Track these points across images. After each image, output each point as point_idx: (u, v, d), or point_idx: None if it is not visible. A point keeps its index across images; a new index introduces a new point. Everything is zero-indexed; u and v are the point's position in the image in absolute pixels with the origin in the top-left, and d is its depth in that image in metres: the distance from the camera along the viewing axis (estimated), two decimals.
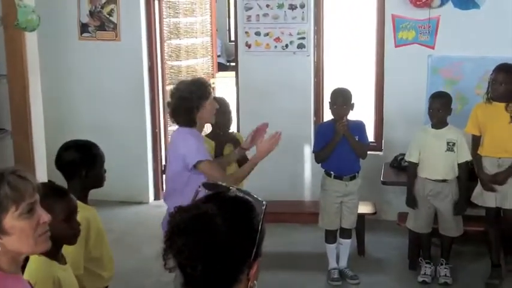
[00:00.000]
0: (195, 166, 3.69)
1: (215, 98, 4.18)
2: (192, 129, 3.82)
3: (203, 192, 1.66)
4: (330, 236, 5.06)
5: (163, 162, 6.87)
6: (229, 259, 1.51)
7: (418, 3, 5.76)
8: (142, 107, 6.66)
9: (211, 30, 7.23)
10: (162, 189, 6.85)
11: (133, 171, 6.71)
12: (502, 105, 4.79)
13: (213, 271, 1.51)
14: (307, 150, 6.13)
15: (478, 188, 4.93)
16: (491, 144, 4.86)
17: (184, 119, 3.80)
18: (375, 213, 5.56)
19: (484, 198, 4.89)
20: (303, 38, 6.17)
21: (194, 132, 3.82)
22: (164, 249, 1.53)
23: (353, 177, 4.97)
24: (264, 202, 1.62)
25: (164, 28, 6.71)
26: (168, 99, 4.02)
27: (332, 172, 4.93)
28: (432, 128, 4.95)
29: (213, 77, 7.26)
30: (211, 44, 7.25)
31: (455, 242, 5.10)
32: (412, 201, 4.97)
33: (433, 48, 5.89)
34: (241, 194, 1.63)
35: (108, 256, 3.23)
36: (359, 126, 4.96)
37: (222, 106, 4.38)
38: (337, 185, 4.94)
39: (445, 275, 4.96)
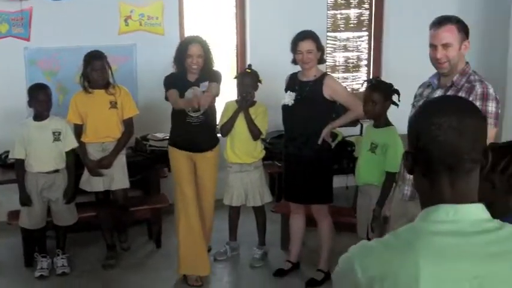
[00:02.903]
0: None
1: None
2: None
3: None
4: None
5: None
6: None
7: None
8: None
9: None
10: None
11: None
12: (102, 91, 4.95)
13: None
14: None
15: (86, 175, 5.02)
16: (94, 131, 4.98)
17: None
18: None
19: (92, 183, 5.01)
20: None
21: None
22: None
23: None
24: None
25: None
26: None
27: None
28: (35, 120, 4.89)
29: None
30: None
31: (70, 231, 5.13)
32: (26, 199, 4.87)
33: (28, 40, 5.79)
34: None
35: None
36: None
37: None
38: None
39: (62, 265, 4.98)
